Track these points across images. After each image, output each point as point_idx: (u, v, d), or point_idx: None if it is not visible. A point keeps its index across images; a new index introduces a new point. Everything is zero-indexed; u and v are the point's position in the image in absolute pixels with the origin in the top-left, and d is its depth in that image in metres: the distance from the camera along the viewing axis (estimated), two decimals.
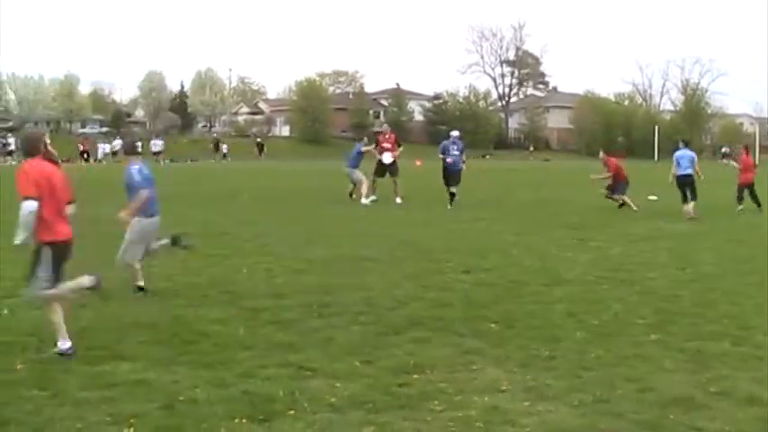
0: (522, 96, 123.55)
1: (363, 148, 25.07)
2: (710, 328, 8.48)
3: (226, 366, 6.84)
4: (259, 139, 79.50)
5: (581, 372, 6.84)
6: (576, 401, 6.09)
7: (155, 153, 70.07)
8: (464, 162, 24.04)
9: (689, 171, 20.57)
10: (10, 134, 71.01)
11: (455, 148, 23.69)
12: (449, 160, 23.40)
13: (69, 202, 7.82)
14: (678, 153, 21.13)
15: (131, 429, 5.48)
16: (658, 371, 6.92)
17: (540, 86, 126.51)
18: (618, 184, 23.20)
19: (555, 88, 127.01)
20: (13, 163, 60.81)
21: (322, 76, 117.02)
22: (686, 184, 20.54)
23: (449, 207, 22.26)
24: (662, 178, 22.88)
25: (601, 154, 25.12)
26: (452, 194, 22.93)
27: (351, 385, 6.38)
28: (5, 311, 8.80)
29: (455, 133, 25.13)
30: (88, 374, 6.57)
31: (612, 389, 6.37)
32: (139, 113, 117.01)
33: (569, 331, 8.24)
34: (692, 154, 21.23)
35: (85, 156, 65.45)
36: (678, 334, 8.22)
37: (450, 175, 23.31)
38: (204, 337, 7.79)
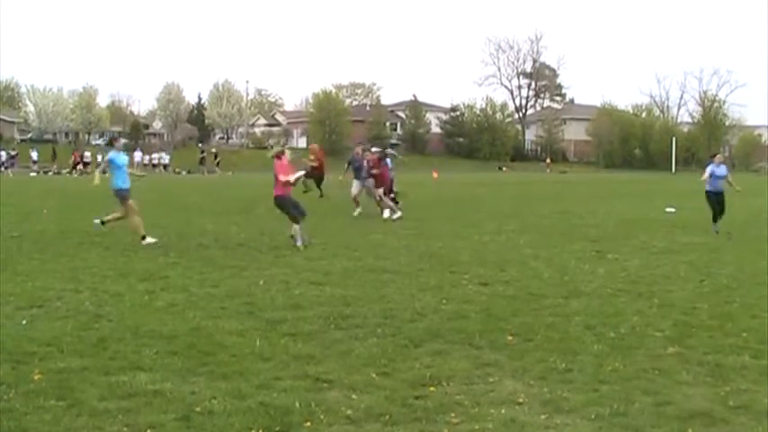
0: (538, 108, 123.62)
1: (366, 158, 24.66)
2: (730, 341, 8.42)
3: (243, 378, 6.84)
4: (214, 150, 76.97)
5: (598, 385, 6.81)
6: (593, 415, 6.06)
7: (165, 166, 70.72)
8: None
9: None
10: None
11: (387, 161, 24.43)
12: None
13: None
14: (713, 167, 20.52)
15: None
16: (676, 384, 6.88)
17: (557, 98, 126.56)
18: (314, 175, 26.11)
19: (572, 100, 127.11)
20: (33, 173, 61.18)
21: (339, 88, 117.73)
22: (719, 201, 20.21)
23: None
24: (679, 190, 22.79)
25: (314, 144, 27.10)
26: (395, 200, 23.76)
27: (368, 397, 6.37)
28: (24, 321, 8.84)
29: (374, 149, 25.85)
30: (106, 385, 6.59)
31: (630, 402, 6.33)
32: (157, 125, 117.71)
33: (587, 344, 8.20)
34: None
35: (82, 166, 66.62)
36: (697, 347, 8.16)
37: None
38: (222, 349, 7.81)
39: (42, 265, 13.02)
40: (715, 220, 19.80)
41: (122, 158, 16.36)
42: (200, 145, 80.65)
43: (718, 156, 20.82)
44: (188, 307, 9.80)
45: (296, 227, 15.72)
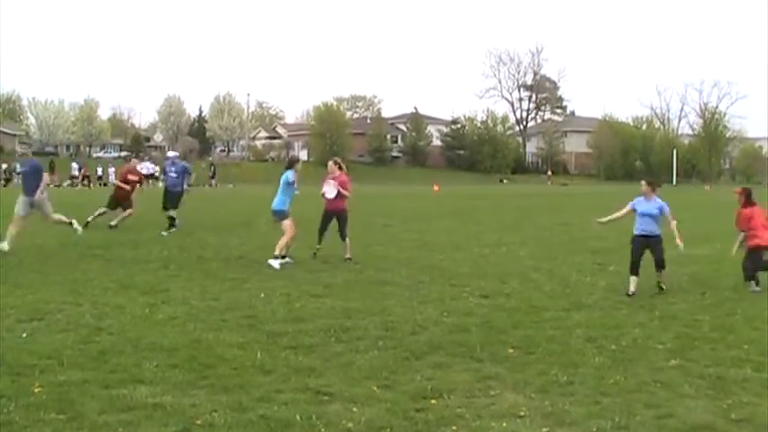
0: (539, 121, 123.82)
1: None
2: (731, 353, 8.42)
3: (244, 390, 6.83)
4: (211, 159, 77.38)
5: (600, 397, 6.80)
6: (594, 427, 6.04)
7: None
8: (189, 185, 22.24)
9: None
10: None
11: (173, 169, 22.05)
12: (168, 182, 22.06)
13: None
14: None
15: None
16: (678, 397, 6.86)
17: (558, 111, 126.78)
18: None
19: (573, 112, 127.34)
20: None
21: (340, 100, 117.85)
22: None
23: (163, 233, 20.28)
24: (680, 202, 22.66)
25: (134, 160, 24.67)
26: (171, 219, 21.14)
27: (369, 410, 6.36)
28: (24, 334, 8.82)
29: (171, 153, 23.41)
30: (106, 398, 6.57)
31: (631, 415, 6.32)
32: (158, 138, 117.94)
33: (588, 357, 8.20)
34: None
35: (85, 181, 66.62)
36: (698, 359, 8.16)
37: (166, 197, 21.67)
38: (222, 361, 7.79)
39: (43, 277, 13.00)
40: (635, 271, 12.57)
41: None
42: (209, 159, 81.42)
43: (642, 184, 13.28)
44: (189, 320, 9.79)
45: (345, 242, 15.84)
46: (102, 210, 22.39)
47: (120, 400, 6.53)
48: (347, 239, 15.89)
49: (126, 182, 22.65)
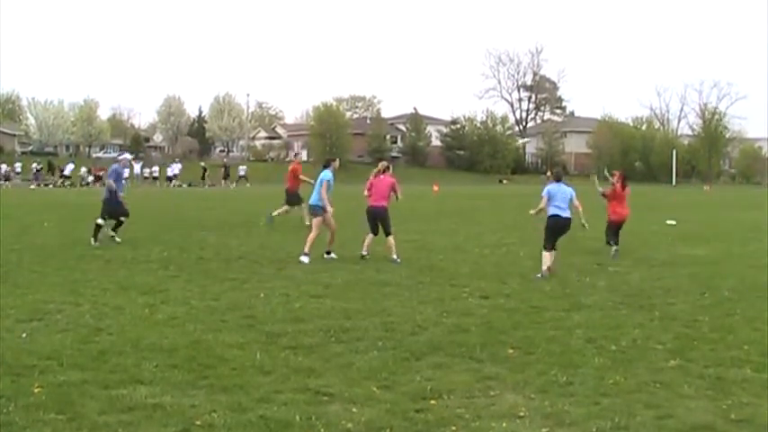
0: (539, 121, 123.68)
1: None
2: (731, 353, 8.42)
3: (243, 391, 6.83)
4: (225, 161, 77.90)
5: (599, 398, 6.79)
6: (594, 428, 6.04)
7: (169, 177, 70.54)
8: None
9: (568, 213, 14.84)
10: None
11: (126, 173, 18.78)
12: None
13: None
14: (551, 188, 15.03)
15: None
16: (678, 397, 6.86)
17: (558, 111, 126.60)
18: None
19: (572, 113, 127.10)
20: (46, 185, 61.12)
21: (339, 101, 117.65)
22: (563, 230, 15.00)
23: (93, 243, 17.84)
24: (680, 202, 22.67)
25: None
26: (98, 226, 18.33)
27: (368, 410, 6.36)
28: (24, 334, 8.82)
29: (128, 155, 21.78)
30: (106, 398, 6.57)
31: (631, 416, 6.32)
32: (158, 138, 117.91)
33: (588, 357, 8.19)
34: (570, 190, 15.07)
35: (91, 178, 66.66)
36: (698, 360, 8.15)
37: (119, 207, 18.65)
38: (222, 362, 7.79)
39: (43, 277, 13.01)
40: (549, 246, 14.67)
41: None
42: (224, 160, 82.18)
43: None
44: (188, 320, 9.79)
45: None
46: (286, 208, 24.17)
47: (119, 400, 6.53)
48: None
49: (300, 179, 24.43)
